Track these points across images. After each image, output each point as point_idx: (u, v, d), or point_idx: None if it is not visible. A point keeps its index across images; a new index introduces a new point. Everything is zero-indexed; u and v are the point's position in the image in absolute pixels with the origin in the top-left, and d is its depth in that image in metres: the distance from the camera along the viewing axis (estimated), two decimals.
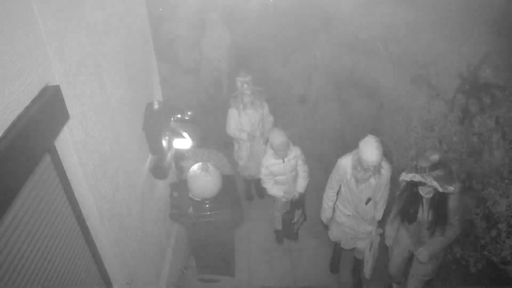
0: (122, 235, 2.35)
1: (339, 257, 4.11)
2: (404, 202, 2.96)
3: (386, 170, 3.21)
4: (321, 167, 5.22)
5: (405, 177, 2.74)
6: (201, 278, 3.89)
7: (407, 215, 2.97)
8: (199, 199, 3.33)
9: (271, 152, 3.65)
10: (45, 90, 1.49)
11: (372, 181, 3.20)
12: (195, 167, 3.33)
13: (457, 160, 3.34)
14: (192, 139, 3.62)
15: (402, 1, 4.63)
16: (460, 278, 3.43)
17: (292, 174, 3.78)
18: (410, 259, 3.32)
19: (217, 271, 3.89)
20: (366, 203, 3.31)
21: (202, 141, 4.88)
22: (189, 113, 4.39)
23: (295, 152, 3.71)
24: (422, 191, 2.76)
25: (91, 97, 1.93)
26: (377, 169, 3.09)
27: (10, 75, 1.28)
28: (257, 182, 4.61)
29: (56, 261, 1.76)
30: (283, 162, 3.65)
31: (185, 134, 3.65)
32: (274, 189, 3.83)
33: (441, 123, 3.56)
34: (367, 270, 3.67)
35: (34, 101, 1.42)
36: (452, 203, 2.74)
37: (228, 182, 3.50)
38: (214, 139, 5.63)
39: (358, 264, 3.93)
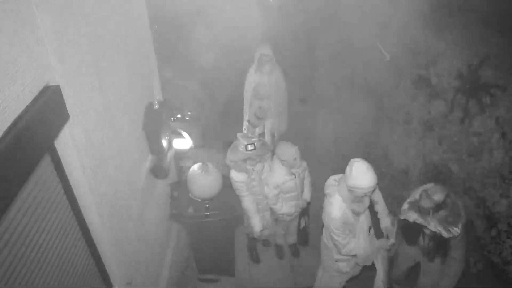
0: (122, 235, 2.35)
1: None
2: (406, 227, 2.78)
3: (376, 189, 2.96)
4: (320, 167, 5.23)
5: (407, 217, 2.58)
6: (201, 278, 3.89)
7: (407, 238, 2.86)
8: (199, 199, 3.34)
9: (281, 169, 3.27)
10: (45, 90, 1.49)
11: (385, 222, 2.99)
12: (195, 167, 3.33)
13: (457, 160, 3.34)
14: (193, 139, 3.62)
15: (402, 1, 4.63)
16: (460, 278, 3.43)
17: (301, 187, 3.53)
18: (414, 266, 3.24)
19: (217, 271, 3.89)
20: (369, 231, 2.95)
21: (202, 141, 4.87)
22: (189, 113, 4.40)
23: (303, 164, 3.47)
24: (425, 229, 2.64)
25: (91, 97, 1.92)
26: (374, 191, 2.74)
27: (10, 75, 1.27)
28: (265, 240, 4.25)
29: (56, 261, 1.75)
30: (295, 177, 3.34)
31: (185, 134, 3.65)
32: (284, 207, 3.47)
33: (441, 123, 3.56)
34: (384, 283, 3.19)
35: (34, 101, 1.42)
36: (455, 241, 2.57)
37: (228, 182, 3.50)
38: (214, 139, 5.63)
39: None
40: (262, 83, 4.36)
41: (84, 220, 2.00)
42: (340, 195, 2.73)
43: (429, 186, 2.65)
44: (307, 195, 3.63)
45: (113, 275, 2.32)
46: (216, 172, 3.34)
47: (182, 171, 3.86)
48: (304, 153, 3.96)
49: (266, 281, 4.01)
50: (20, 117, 1.33)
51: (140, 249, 2.72)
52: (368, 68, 5.14)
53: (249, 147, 3.13)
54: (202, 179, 3.24)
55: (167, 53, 4.77)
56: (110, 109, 2.19)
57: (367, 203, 2.81)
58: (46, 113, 1.46)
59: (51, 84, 1.54)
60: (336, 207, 2.74)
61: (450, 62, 3.39)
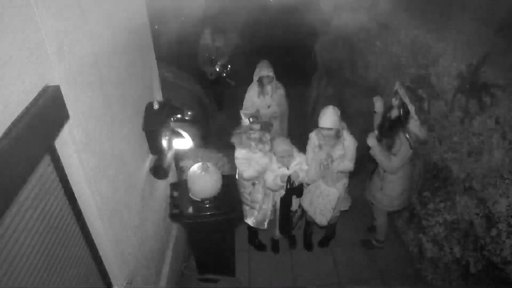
0: (122, 235, 2.35)
1: (311, 232, 4.33)
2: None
3: (348, 141, 3.41)
4: None
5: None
6: (201, 278, 3.89)
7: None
8: (199, 199, 3.33)
9: (275, 159, 3.53)
10: (45, 90, 1.49)
11: (336, 153, 3.42)
12: (195, 167, 3.32)
13: (457, 160, 3.34)
14: (193, 139, 3.61)
15: (401, 1, 4.64)
16: (460, 278, 3.43)
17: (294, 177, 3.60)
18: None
19: (217, 271, 3.89)
20: (321, 165, 3.50)
21: (202, 141, 4.87)
22: (189, 113, 4.38)
23: (299, 159, 3.56)
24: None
25: (91, 97, 1.92)
26: (332, 135, 3.37)
27: (10, 75, 1.28)
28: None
29: (56, 261, 1.76)
30: (287, 169, 3.52)
31: (185, 134, 3.64)
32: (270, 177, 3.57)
33: (441, 123, 3.56)
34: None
35: (34, 101, 1.41)
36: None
37: (228, 182, 3.49)
38: (214, 139, 5.63)
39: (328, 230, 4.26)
40: (265, 105, 4.28)
41: (84, 220, 2.00)
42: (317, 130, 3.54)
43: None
44: (299, 172, 3.55)
45: (113, 275, 2.32)
46: (216, 172, 3.33)
47: (182, 171, 3.86)
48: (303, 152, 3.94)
49: (266, 281, 4.01)
50: (20, 117, 1.33)
51: (140, 249, 2.72)
52: (368, 68, 5.14)
53: (252, 119, 3.46)
54: (202, 179, 3.24)
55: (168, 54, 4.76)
56: (110, 109, 2.19)
57: (328, 142, 3.45)
58: (46, 113, 1.46)
59: (51, 84, 1.54)
60: (313, 134, 3.60)
61: (450, 62, 3.39)
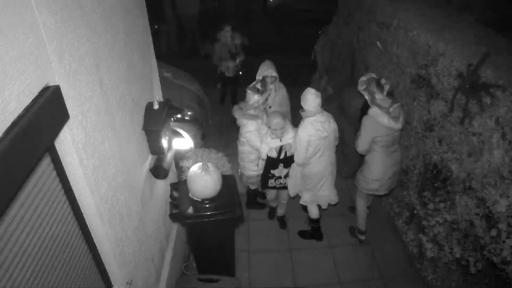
0: (122, 235, 2.35)
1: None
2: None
3: (298, 131, 3.67)
4: None
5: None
6: (201, 278, 3.88)
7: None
8: (199, 199, 3.33)
9: (269, 132, 3.79)
10: (45, 90, 1.49)
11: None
12: (195, 167, 3.32)
13: (457, 160, 3.34)
14: (193, 139, 3.62)
15: (401, 1, 4.64)
16: (460, 278, 3.43)
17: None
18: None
19: (217, 271, 3.89)
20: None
21: (202, 141, 4.87)
22: (189, 113, 4.38)
23: (293, 133, 3.77)
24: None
25: (91, 97, 1.93)
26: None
27: (10, 75, 1.28)
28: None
29: (56, 261, 1.76)
30: (280, 141, 3.76)
31: (185, 134, 3.64)
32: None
33: (441, 123, 3.56)
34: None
35: (34, 101, 1.42)
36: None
37: (228, 182, 3.49)
38: (214, 138, 5.63)
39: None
40: (267, 104, 4.30)
41: (84, 220, 2.00)
42: None
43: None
44: (292, 144, 3.77)
45: (113, 275, 2.32)
46: (216, 172, 3.33)
47: (182, 171, 3.86)
48: None
49: (266, 281, 4.01)
50: (20, 117, 1.33)
51: (140, 249, 2.72)
52: (367, 68, 5.14)
53: (260, 89, 3.88)
54: (202, 179, 3.24)
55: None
56: (110, 109, 2.19)
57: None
58: (46, 113, 1.46)
59: (51, 84, 1.54)
60: None
61: (450, 62, 3.39)
